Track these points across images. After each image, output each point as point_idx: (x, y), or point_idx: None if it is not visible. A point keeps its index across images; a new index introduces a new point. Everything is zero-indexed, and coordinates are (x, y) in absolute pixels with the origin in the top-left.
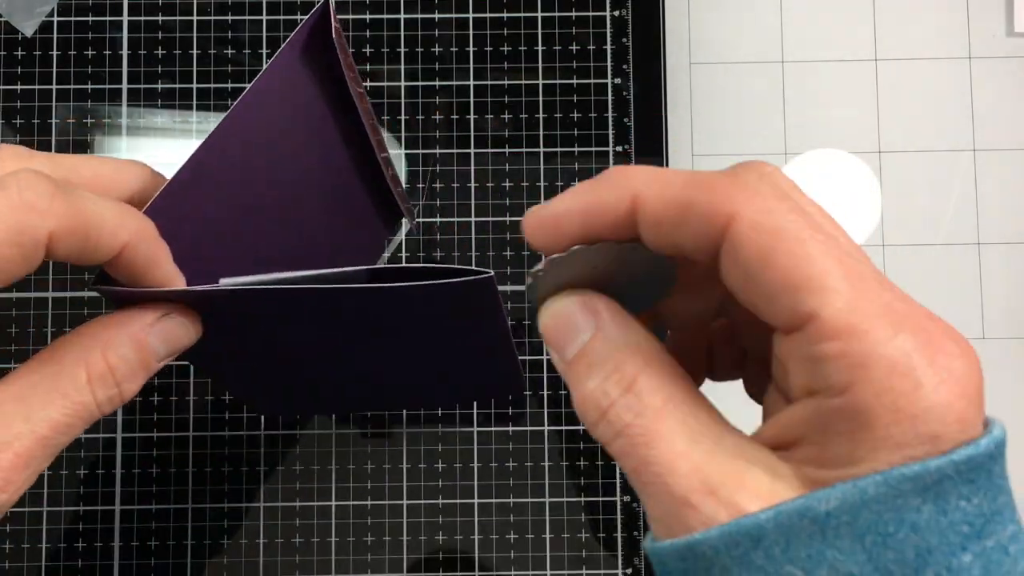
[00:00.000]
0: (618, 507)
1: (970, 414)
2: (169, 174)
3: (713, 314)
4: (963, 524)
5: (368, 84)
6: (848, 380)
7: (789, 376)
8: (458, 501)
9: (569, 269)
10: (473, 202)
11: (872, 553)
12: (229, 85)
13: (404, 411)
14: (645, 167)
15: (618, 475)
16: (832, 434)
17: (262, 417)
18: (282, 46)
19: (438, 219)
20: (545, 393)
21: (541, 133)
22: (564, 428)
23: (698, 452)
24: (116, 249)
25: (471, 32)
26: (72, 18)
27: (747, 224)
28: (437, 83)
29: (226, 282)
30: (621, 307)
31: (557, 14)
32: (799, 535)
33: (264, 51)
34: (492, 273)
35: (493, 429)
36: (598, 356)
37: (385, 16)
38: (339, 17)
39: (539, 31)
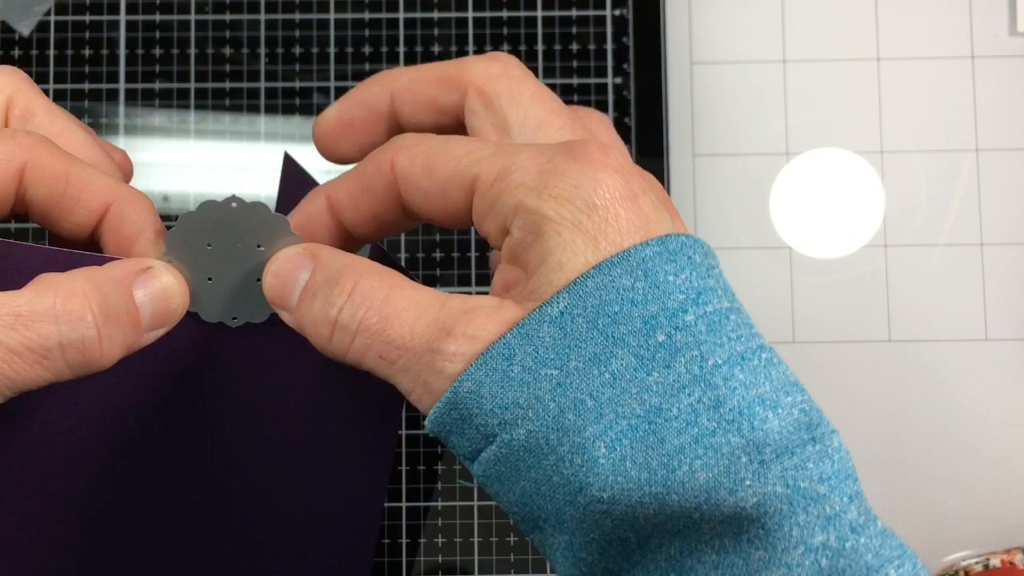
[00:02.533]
0: None
1: (621, 185)
2: (168, 174)
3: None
4: (678, 294)
5: None
6: (515, 200)
7: (492, 242)
8: (458, 503)
9: (199, 229)
10: None
11: (607, 332)
12: (227, 85)
13: None
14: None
15: None
16: (524, 249)
17: None
18: None
19: None
20: None
21: None
22: None
23: (429, 315)
24: (98, 208)
25: (471, 31)
26: (69, 17)
27: (404, 157)
28: None
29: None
30: (335, 248)
31: (557, 14)
32: (543, 339)
33: (263, 51)
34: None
35: None
36: (319, 285)
37: (384, 16)
38: (338, 16)
39: (539, 31)
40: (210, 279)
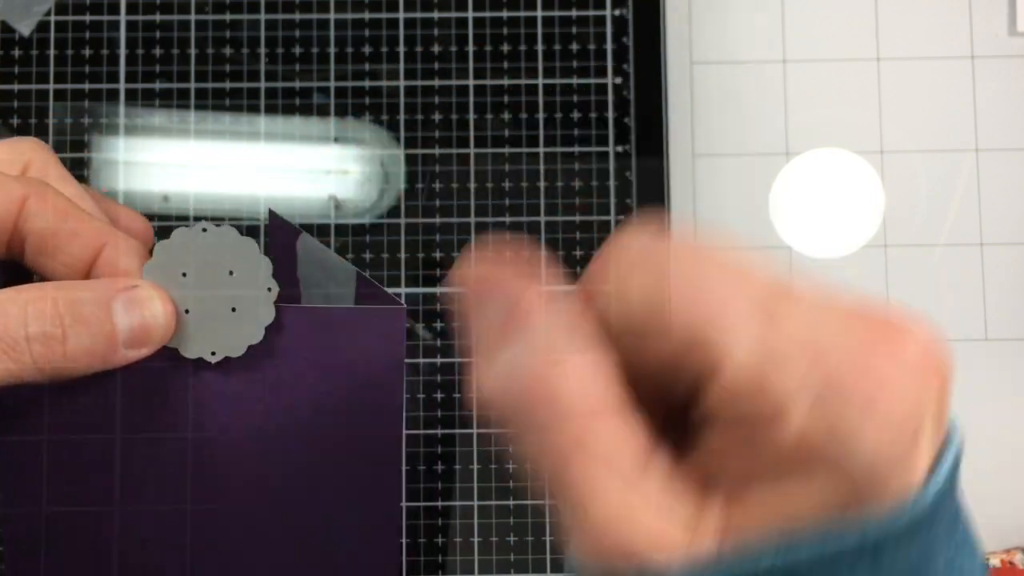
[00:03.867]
0: None
1: (902, 443)
2: (168, 174)
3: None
4: None
5: (368, 84)
6: (769, 411)
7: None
8: (458, 503)
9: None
10: (473, 202)
11: None
12: (227, 85)
13: None
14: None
15: None
16: (750, 472)
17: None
18: None
19: (438, 219)
20: None
21: (541, 133)
22: None
23: (622, 525)
24: (94, 243)
25: (471, 32)
26: (69, 17)
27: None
28: (436, 83)
29: None
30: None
31: (557, 13)
32: None
33: (263, 51)
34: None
35: (493, 431)
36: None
37: (384, 15)
38: (338, 16)
39: (539, 31)
40: (187, 311)
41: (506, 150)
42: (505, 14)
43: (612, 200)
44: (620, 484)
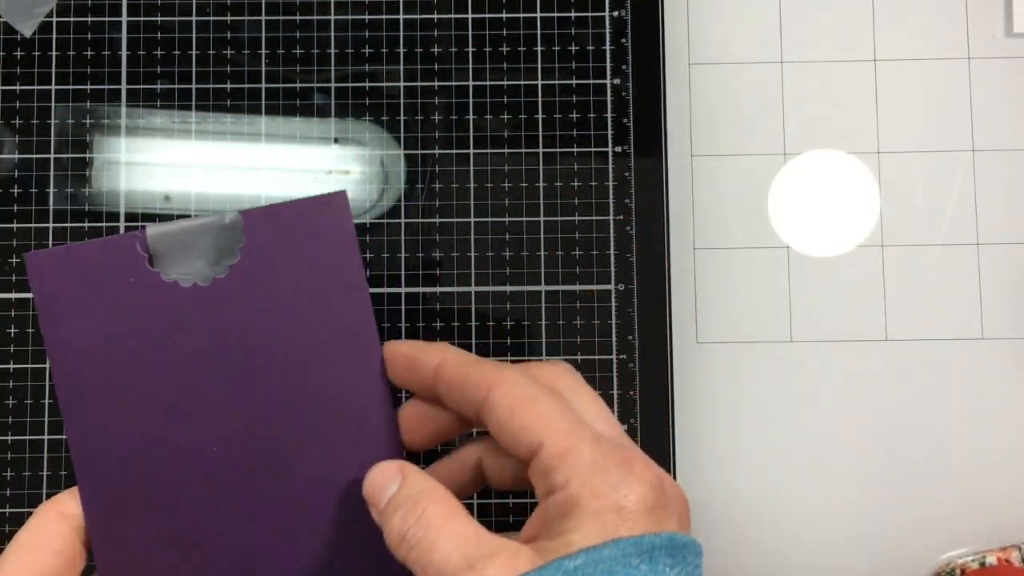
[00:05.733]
0: None
1: (649, 499)
2: (169, 174)
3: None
4: None
5: (368, 84)
6: (565, 479)
7: (536, 490)
8: None
9: None
10: (472, 202)
11: None
12: (228, 86)
13: None
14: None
15: None
16: (555, 517)
17: None
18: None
19: (437, 219)
20: None
21: (540, 133)
22: None
23: (465, 548)
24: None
25: (470, 32)
26: (71, 18)
27: (500, 391)
28: (436, 83)
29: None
30: (419, 468)
31: (556, 14)
32: None
33: (263, 51)
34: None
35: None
36: (401, 500)
37: (384, 16)
38: (338, 18)
39: (538, 31)
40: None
41: (505, 150)
42: (504, 15)
43: (611, 200)
44: (464, 543)
